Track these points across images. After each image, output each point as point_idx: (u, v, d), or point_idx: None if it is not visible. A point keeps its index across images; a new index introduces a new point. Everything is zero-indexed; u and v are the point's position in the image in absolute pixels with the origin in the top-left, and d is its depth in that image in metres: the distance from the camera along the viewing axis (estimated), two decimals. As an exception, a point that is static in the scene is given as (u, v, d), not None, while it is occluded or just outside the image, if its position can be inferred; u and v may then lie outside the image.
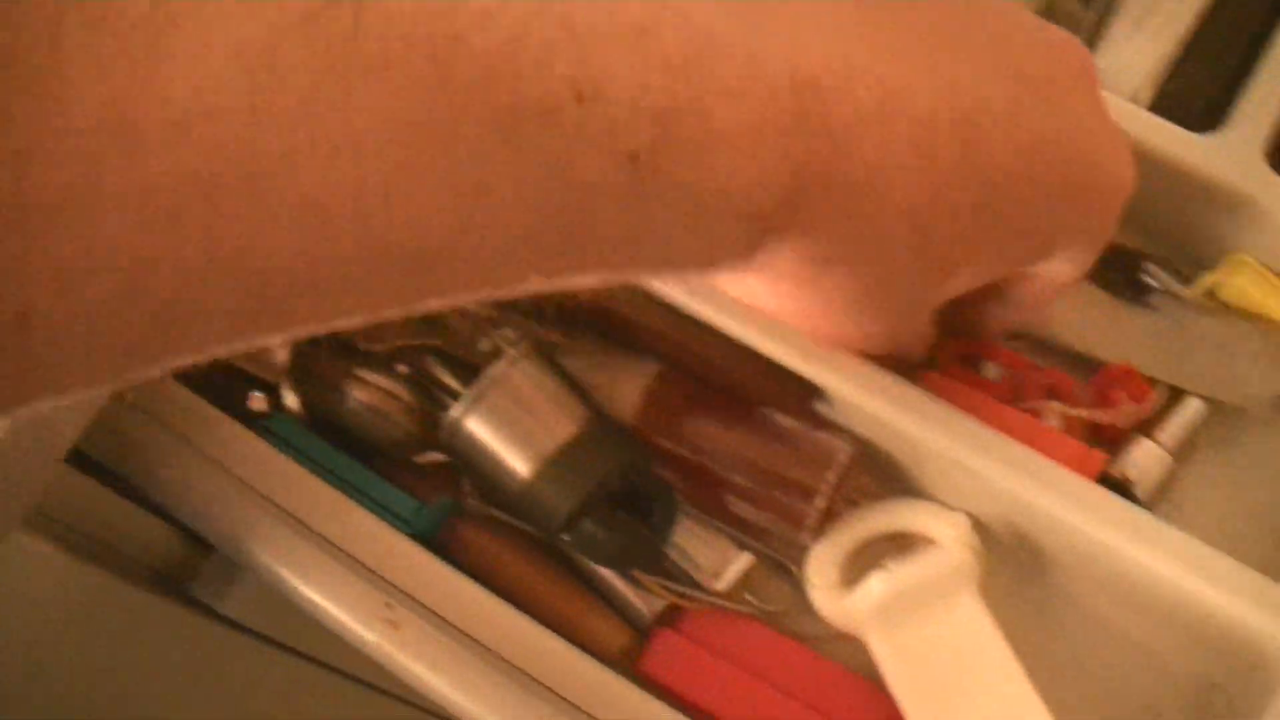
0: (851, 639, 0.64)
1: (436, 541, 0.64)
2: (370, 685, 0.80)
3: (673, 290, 0.63)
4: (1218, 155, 0.64)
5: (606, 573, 0.65)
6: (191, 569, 0.70)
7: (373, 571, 0.61)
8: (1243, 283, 0.66)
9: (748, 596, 0.65)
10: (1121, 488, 0.63)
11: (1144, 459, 0.65)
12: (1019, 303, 0.60)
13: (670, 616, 0.65)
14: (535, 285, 0.41)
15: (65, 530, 0.65)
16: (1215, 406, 0.66)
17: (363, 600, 0.60)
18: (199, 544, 0.70)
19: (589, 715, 0.59)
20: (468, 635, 0.60)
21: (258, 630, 0.74)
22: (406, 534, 0.62)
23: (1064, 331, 0.68)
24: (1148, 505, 0.63)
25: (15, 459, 0.53)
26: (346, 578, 0.60)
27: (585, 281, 0.42)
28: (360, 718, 0.83)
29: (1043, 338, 0.68)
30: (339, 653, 0.75)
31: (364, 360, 0.65)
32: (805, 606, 0.65)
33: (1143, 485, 0.64)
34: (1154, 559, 0.60)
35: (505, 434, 0.61)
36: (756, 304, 0.52)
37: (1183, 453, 0.65)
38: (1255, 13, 0.69)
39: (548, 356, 0.62)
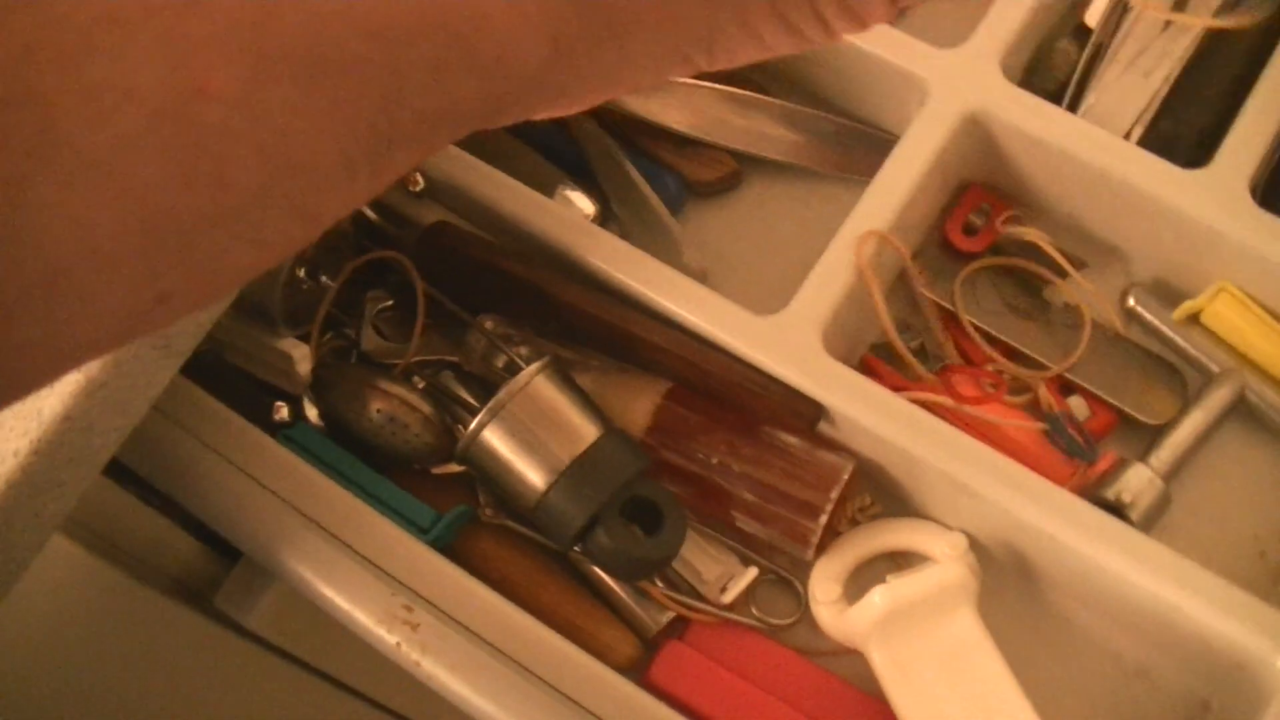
0: (853, 653, 0.66)
1: (451, 549, 0.66)
2: (381, 707, 0.82)
3: (682, 308, 0.66)
4: (1204, 191, 0.67)
5: (615, 584, 0.67)
6: (214, 582, 0.72)
7: (391, 576, 0.63)
8: (1224, 309, 0.68)
9: (753, 610, 0.67)
10: (1116, 511, 0.65)
11: (1137, 482, 0.67)
12: None
13: (677, 628, 0.67)
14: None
15: (98, 537, 0.67)
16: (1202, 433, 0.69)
17: (382, 602, 0.62)
18: (222, 558, 0.72)
19: (600, 719, 0.61)
20: (483, 639, 0.62)
21: (275, 644, 0.76)
22: (423, 541, 0.64)
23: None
24: (1142, 527, 0.65)
25: (58, 466, 0.55)
26: (366, 580, 0.62)
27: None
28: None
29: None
30: (352, 671, 0.77)
31: (384, 373, 0.67)
32: (808, 620, 0.67)
33: (1137, 508, 0.66)
34: (1147, 578, 0.62)
35: (521, 447, 0.63)
36: None
37: (1172, 476, 0.67)
38: (1242, 54, 0.72)
39: (562, 373, 0.65)
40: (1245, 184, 0.67)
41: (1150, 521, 0.66)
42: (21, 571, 0.57)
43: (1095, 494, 0.66)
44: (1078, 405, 0.70)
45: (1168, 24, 0.73)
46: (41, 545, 0.57)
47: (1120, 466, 0.67)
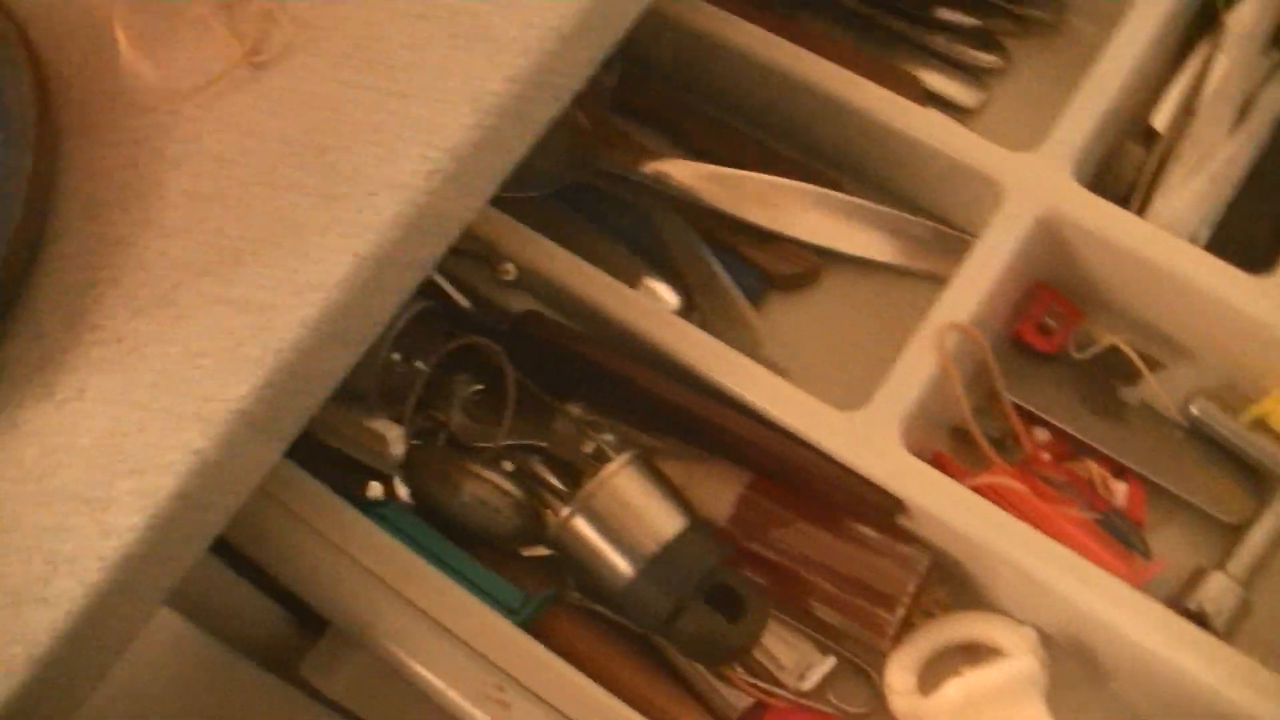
0: (924, 742, 0.67)
1: (534, 628, 0.67)
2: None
3: (765, 403, 0.68)
4: (1269, 296, 0.69)
5: (694, 666, 0.68)
6: (300, 652, 0.74)
7: (481, 655, 0.65)
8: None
9: (829, 697, 0.69)
10: (1199, 621, 0.66)
11: (1216, 590, 0.68)
12: None
13: (754, 713, 0.68)
14: None
15: (194, 605, 0.69)
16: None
17: (475, 680, 0.64)
18: (308, 629, 0.74)
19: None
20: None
21: (355, 713, 0.77)
22: (511, 622, 0.66)
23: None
24: (1225, 636, 0.66)
25: (172, 541, 0.57)
26: (458, 658, 0.64)
27: None
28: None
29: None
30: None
31: (474, 456, 0.70)
32: (882, 710, 0.68)
33: (1219, 617, 0.68)
34: (1220, 681, 0.63)
35: (609, 534, 0.66)
36: None
37: (1251, 582, 0.69)
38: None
39: (648, 462, 0.67)
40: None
41: (1232, 629, 0.68)
42: (131, 640, 0.59)
43: (1178, 604, 0.68)
44: (1119, 491, 0.72)
45: (1233, 128, 0.75)
46: (151, 616, 0.59)
47: (1199, 576, 0.69)
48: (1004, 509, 0.67)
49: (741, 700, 0.68)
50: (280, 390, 0.58)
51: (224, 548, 0.68)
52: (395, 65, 0.60)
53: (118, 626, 0.57)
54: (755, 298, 0.76)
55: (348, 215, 0.57)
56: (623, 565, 0.65)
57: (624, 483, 0.66)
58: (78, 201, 0.59)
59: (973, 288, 0.70)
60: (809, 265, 0.77)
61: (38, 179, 0.57)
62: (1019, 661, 0.67)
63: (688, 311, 0.75)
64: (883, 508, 0.67)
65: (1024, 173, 0.72)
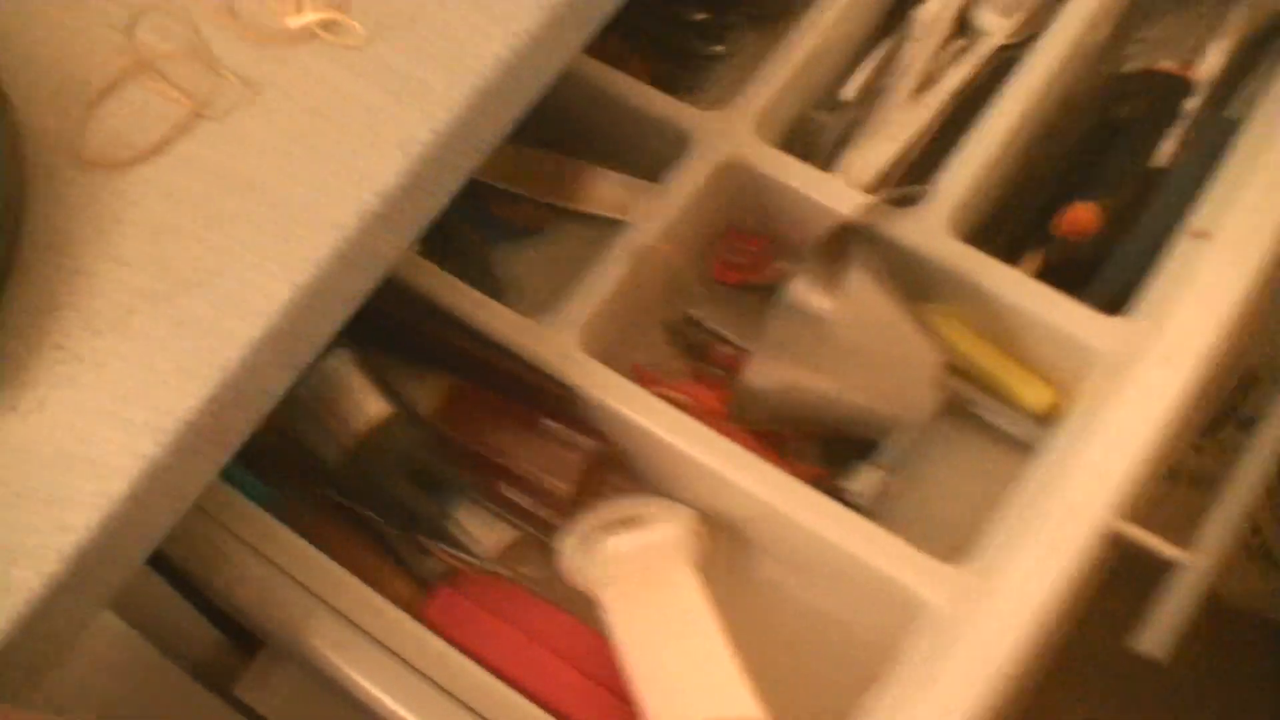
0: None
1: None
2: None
3: (470, 314, 0.81)
4: (913, 228, 0.80)
5: (403, 541, 0.80)
6: (237, 673, 0.82)
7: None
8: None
9: (516, 567, 0.79)
10: (845, 501, 0.76)
11: (865, 477, 0.79)
12: None
13: (450, 578, 0.79)
14: None
15: (139, 620, 0.76)
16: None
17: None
18: (244, 650, 0.83)
19: (382, 645, 0.74)
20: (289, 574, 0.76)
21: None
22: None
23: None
24: (870, 513, 0.76)
25: (122, 541, 0.61)
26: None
27: None
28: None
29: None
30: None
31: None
32: (558, 578, 0.78)
33: (866, 496, 0.78)
34: (839, 537, 0.74)
35: (324, 419, 0.78)
36: None
37: (897, 468, 0.79)
38: (967, 115, 0.84)
39: (363, 360, 0.80)
40: (945, 221, 0.79)
41: (877, 505, 0.78)
42: (76, 639, 0.63)
43: (830, 485, 0.78)
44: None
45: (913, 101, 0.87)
46: (95, 616, 0.64)
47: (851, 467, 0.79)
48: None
49: (439, 567, 0.79)
50: (224, 404, 0.63)
51: (165, 568, 0.76)
52: (333, 118, 0.67)
53: (67, 619, 0.61)
54: (495, 245, 0.90)
55: (289, 249, 0.64)
56: (337, 446, 0.78)
57: (340, 373, 0.79)
58: (42, 236, 0.65)
59: (657, 219, 0.82)
60: (539, 218, 0.91)
61: (8, 216, 0.64)
62: (664, 527, 0.77)
63: (442, 260, 0.87)
64: (561, 399, 0.78)
65: (710, 126, 0.85)
